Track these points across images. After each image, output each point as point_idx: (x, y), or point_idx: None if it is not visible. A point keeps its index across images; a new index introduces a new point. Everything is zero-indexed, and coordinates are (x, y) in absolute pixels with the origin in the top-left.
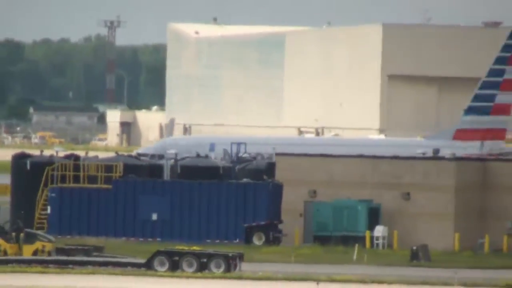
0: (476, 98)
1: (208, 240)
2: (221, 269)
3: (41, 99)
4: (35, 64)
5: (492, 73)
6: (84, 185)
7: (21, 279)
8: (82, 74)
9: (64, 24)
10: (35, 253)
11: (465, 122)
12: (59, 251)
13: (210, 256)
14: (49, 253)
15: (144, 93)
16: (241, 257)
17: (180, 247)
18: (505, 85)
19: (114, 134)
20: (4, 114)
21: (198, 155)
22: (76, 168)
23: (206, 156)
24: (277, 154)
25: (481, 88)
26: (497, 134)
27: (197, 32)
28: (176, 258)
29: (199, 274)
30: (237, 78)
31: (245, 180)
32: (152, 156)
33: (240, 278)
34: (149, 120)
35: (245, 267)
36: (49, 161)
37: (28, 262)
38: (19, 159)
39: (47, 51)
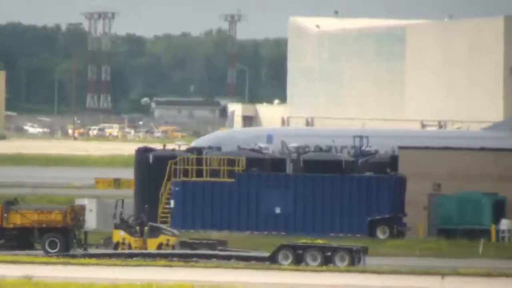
0: None
1: (332, 234)
2: (345, 263)
3: (163, 93)
4: (157, 59)
5: None
6: (207, 179)
7: (145, 273)
8: (204, 68)
9: (185, 19)
10: (159, 246)
11: None
12: (183, 244)
13: (335, 250)
14: (173, 247)
15: (265, 86)
16: (365, 250)
17: (304, 241)
18: None
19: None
20: (126, 108)
21: (320, 149)
22: (199, 161)
23: (328, 150)
24: (400, 148)
25: None
26: None
27: (318, 26)
28: (300, 251)
29: (323, 267)
30: (358, 71)
31: (368, 173)
32: (209, 148)
33: (364, 272)
34: (270, 114)
35: (369, 261)
36: (172, 155)
37: (153, 256)
38: (143, 153)
39: (169, 46)
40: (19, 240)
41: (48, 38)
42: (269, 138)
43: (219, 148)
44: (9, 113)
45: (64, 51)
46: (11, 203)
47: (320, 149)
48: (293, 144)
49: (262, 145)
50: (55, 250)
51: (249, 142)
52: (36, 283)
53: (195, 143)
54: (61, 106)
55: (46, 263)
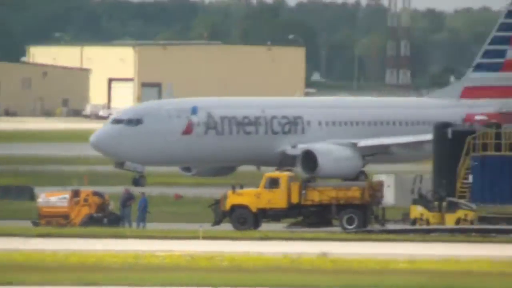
0: (486, 54)
1: None
2: None
3: (463, 68)
4: (457, 33)
5: (502, 27)
6: (506, 153)
7: (443, 248)
8: None
9: None
10: (457, 222)
11: (473, 79)
12: (482, 219)
13: None
14: (472, 222)
15: None
16: None
17: None
18: None
19: None
20: (425, 83)
21: None
22: (498, 136)
23: None
24: None
25: (491, 43)
26: (508, 92)
27: None
28: None
29: None
30: None
31: None
32: (129, 121)
33: None
34: None
35: None
36: (471, 130)
37: (451, 231)
38: (441, 128)
39: (468, 20)
40: (317, 217)
41: (348, 14)
42: (194, 110)
43: (139, 121)
44: (309, 89)
45: (364, 27)
46: (309, 180)
47: None
48: None
49: None
50: (352, 226)
51: (172, 113)
52: (333, 260)
53: (117, 114)
54: (360, 82)
55: (343, 240)
